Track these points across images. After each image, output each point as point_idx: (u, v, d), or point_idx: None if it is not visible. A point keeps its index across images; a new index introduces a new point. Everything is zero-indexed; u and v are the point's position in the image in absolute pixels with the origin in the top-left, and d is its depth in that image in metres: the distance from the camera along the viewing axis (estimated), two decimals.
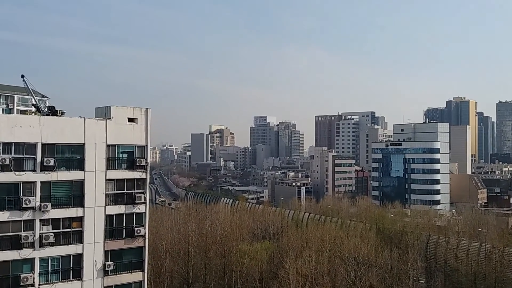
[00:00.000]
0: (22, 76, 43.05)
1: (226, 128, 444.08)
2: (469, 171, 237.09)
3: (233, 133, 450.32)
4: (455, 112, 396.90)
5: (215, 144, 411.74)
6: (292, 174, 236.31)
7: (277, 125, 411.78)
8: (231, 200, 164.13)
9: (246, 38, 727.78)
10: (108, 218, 41.04)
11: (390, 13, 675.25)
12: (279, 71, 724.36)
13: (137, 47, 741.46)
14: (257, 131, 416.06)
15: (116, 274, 41.19)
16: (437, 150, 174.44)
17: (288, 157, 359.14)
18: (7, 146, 36.62)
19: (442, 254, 79.27)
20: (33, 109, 46.44)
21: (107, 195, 40.80)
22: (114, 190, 41.38)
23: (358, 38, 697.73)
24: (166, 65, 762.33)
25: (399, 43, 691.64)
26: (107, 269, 40.51)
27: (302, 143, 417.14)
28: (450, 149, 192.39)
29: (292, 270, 60.01)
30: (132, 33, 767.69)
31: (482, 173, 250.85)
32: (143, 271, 42.87)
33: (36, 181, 37.64)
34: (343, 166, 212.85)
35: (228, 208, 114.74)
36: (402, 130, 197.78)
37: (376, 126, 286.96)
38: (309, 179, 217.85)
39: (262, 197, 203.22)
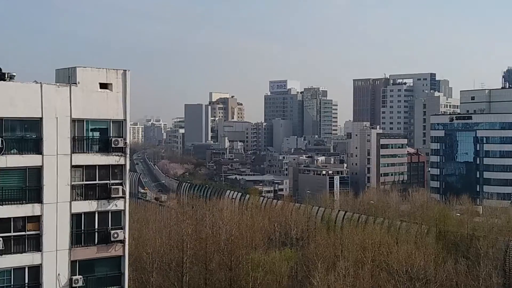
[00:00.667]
0: None
1: (232, 96, 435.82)
2: None
3: (241, 104, 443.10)
4: None
5: (217, 118, 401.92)
6: (321, 158, 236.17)
7: (301, 92, 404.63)
8: (240, 193, 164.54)
9: None
10: (75, 218, 40.82)
11: None
12: (305, 20, 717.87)
13: None
14: (274, 100, 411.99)
15: None
16: None
17: (316, 136, 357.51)
18: None
19: None
20: None
21: (73, 187, 40.61)
22: (83, 181, 41.23)
23: None
24: (152, 13, 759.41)
25: None
26: (74, 285, 40.45)
27: (336, 117, 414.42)
28: None
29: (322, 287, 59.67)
30: None
31: None
32: (121, 286, 43.00)
33: None
34: (392, 147, 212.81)
35: (235, 205, 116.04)
36: (473, 98, 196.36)
37: (437, 93, 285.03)
38: (345, 165, 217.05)
39: (281, 189, 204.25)
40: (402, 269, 64.59)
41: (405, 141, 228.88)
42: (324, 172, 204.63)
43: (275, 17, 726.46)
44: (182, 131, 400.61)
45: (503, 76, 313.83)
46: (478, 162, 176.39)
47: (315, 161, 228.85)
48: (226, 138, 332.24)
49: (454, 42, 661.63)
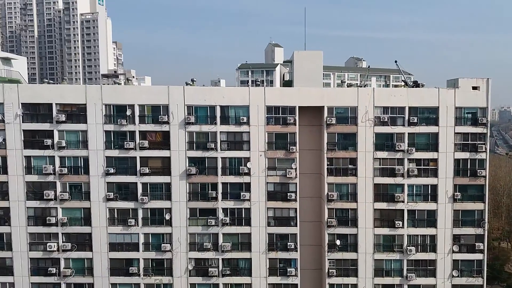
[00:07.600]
0: (395, 61, 51.33)
1: None
2: None
3: None
4: None
5: None
6: None
7: None
8: None
9: None
10: (456, 161, 43.32)
11: None
12: None
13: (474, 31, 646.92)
14: None
15: (462, 202, 43.77)
16: None
17: None
18: (385, 109, 43.01)
19: None
20: (402, 83, 51.78)
21: (455, 144, 43.26)
22: (461, 141, 43.33)
23: None
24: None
25: None
26: (455, 197, 43.38)
27: None
28: None
29: None
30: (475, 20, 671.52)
31: None
32: (483, 202, 43.86)
33: (404, 133, 42.79)
34: None
35: None
36: None
37: None
38: None
39: None
40: None
41: None
42: None
43: None
44: None
45: None
46: None
47: None
48: None
49: None
